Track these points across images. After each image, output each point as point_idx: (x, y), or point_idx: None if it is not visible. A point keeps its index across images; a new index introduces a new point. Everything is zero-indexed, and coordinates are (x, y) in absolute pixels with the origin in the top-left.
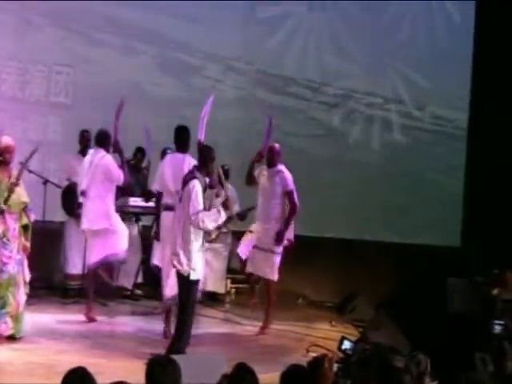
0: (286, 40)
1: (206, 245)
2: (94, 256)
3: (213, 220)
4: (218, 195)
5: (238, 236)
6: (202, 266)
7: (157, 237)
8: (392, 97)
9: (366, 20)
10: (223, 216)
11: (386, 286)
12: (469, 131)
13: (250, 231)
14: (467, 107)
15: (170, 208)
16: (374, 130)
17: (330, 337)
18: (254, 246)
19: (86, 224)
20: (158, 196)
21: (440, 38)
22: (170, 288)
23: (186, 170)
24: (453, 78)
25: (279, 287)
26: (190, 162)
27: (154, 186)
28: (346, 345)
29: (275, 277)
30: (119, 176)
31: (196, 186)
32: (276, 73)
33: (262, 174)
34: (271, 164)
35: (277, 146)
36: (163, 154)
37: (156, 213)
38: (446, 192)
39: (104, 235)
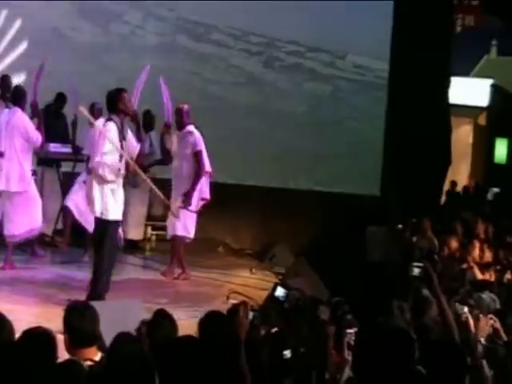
0: None
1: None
2: (13, 227)
3: (112, 172)
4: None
5: (158, 182)
6: (118, 207)
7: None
8: (314, 45)
9: None
10: (122, 173)
11: (306, 234)
12: (389, 80)
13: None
14: (388, 56)
15: None
16: (295, 79)
17: (250, 284)
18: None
19: (2, 185)
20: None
21: None
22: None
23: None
24: (374, 27)
25: (200, 235)
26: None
27: (86, 150)
28: (280, 292)
29: (189, 234)
30: (37, 138)
31: (107, 126)
32: (197, 20)
33: (173, 141)
34: (180, 126)
35: (185, 106)
36: (92, 107)
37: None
38: (367, 141)
39: (22, 202)
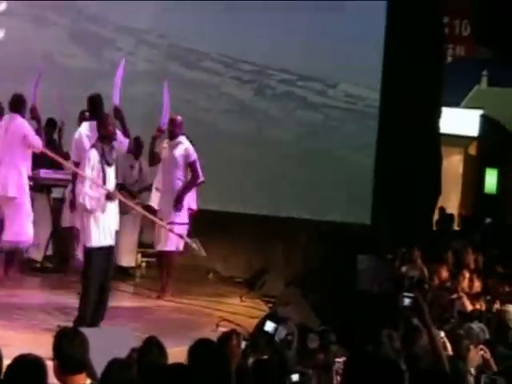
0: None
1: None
2: (5, 235)
3: (92, 200)
4: (132, 166)
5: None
6: (103, 234)
7: (72, 206)
8: (305, 74)
9: None
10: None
11: (296, 262)
12: (380, 110)
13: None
14: (379, 86)
15: None
16: (287, 107)
17: (240, 312)
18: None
19: (0, 191)
20: (75, 165)
21: (352, 16)
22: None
23: None
24: (365, 56)
25: (190, 262)
26: None
27: (72, 157)
28: (269, 326)
29: (175, 247)
30: (38, 142)
31: (88, 154)
32: (189, 47)
33: (163, 147)
34: (172, 136)
35: (178, 118)
36: (81, 115)
37: (72, 181)
38: (358, 170)
39: (14, 210)
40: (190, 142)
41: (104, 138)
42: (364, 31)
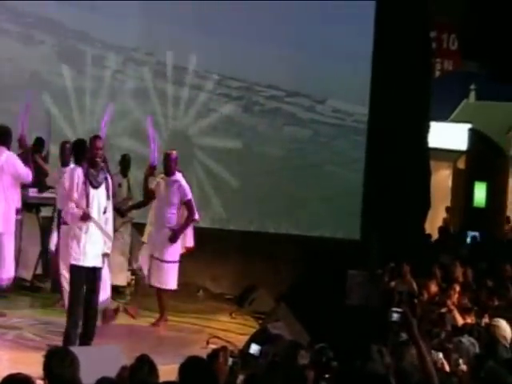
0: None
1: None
2: None
3: (73, 219)
4: (120, 185)
5: (137, 227)
6: (83, 252)
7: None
8: (293, 90)
9: (267, 13)
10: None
11: (286, 278)
12: (369, 125)
13: (143, 242)
14: (367, 101)
15: None
16: (275, 123)
17: (230, 329)
18: (151, 256)
19: None
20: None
21: (340, 31)
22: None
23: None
24: (353, 71)
25: (180, 280)
26: None
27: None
28: (254, 349)
29: (169, 285)
30: (27, 174)
31: (72, 172)
32: (177, 64)
33: (158, 182)
34: (168, 172)
35: (174, 153)
36: (62, 146)
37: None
38: (347, 185)
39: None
40: (185, 179)
41: (90, 160)
42: (352, 46)
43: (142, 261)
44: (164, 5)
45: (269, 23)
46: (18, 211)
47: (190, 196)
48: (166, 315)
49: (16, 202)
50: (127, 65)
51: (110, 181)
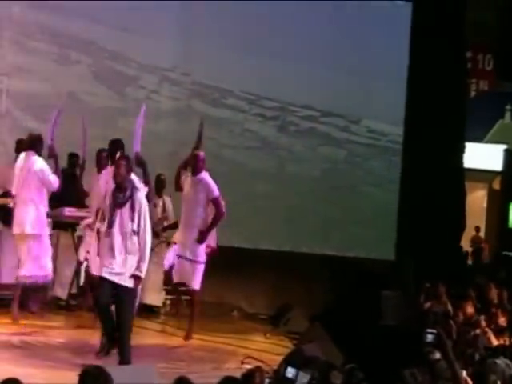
0: (222, 51)
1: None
2: (25, 269)
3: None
4: (155, 205)
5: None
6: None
7: None
8: (328, 110)
9: (301, 34)
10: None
11: (320, 298)
12: (404, 145)
13: (174, 242)
14: (402, 122)
15: None
16: (310, 143)
17: (265, 349)
18: (178, 255)
19: (17, 229)
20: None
21: (376, 52)
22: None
23: None
24: (388, 92)
25: (214, 299)
26: (133, 176)
27: (93, 204)
28: (290, 372)
29: (197, 286)
30: (54, 181)
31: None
32: (212, 84)
33: (186, 181)
34: (195, 172)
35: (201, 153)
36: (99, 155)
37: None
38: (381, 205)
39: (32, 245)
40: (213, 178)
41: (117, 185)
42: (387, 66)
43: (167, 258)
44: (199, 25)
45: (304, 44)
46: (47, 214)
47: (217, 193)
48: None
49: (46, 205)
50: (163, 85)
51: (138, 197)
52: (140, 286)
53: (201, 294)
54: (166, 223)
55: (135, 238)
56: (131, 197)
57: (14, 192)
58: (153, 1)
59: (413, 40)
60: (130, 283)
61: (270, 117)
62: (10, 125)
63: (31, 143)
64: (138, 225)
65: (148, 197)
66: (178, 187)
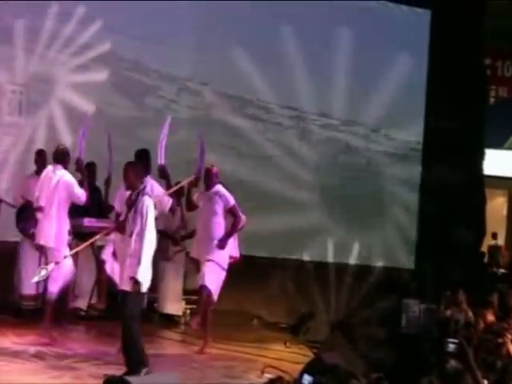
0: (241, 60)
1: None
2: (53, 285)
3: None
4: (173, 213)
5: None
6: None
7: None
8: (347, 118)
9: (320, 42)
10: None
11: (340, 307)
12: (424, 153)
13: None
14: (422, 129)
15: None
16: (330, 152)
17: (285, 358)
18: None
19: (42, 240)
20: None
21: (394, 60)
22: None
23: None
24: (407, 99)
25: (234, 308)
26: (151, 183)
27: (116, 208)
28: (306, 379)
29: (212, 286)
30: (82, 195)
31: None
32: (232, 93)
33: (200, 197)
34: (209, 186)
35: (214, 168)
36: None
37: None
38: (402, 214)
39: (60, 258)
40: (227, 189)
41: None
42: (406, 74)
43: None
44: (217, 34)
45: (322, 53)
46: (69, 232)
47: (233, 202)
48: (210, 336)
49: (66, 222)
50: (182, 95)
51: (143, 200)
52: (155, 295)
53: (219, 303)
54: (183, 232)
55: (136, 240)
56: (136, 199)
57: (40, 204)
58: (171, 12)
59: (432, 47)
60: (127, 287)
61: (290, 126)
62: (28, 135)
63: (58, 156)
64: (140, 227)
65: (172, 208)
66: (192, 206)
